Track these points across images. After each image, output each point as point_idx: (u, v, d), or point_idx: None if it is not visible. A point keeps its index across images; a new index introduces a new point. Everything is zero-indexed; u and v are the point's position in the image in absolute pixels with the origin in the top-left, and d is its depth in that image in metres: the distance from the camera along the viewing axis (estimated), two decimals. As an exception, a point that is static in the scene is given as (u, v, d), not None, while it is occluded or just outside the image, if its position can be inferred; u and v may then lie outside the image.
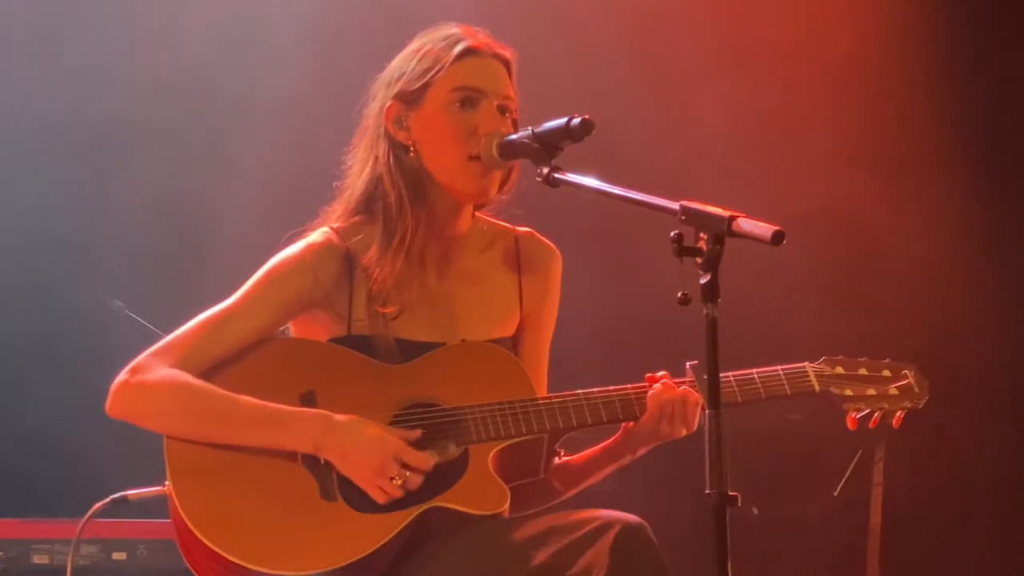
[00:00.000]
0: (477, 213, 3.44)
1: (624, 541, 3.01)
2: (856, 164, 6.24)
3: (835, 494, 5.87)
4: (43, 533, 5.02)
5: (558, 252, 3.50)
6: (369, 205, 3.35)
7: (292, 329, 3.38)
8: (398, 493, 3.14)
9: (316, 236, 3.34)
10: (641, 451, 3.37)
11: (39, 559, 5.01)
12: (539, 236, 3.50)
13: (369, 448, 3.15)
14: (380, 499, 3.14)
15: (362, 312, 3.29)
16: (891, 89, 6.26)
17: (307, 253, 3.32)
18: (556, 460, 3.39)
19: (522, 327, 3.45)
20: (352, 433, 3.17)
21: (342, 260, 3.32)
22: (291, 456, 3.18)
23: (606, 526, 3.04)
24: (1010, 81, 6.25)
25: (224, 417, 3.19)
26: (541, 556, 3.05)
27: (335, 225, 3.36)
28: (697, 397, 3.27)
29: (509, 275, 3.45)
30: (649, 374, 3.34)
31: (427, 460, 3.17)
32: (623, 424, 3.33)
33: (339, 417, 3.18)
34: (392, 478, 3.14)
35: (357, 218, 3.36)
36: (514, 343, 3.43)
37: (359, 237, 3.33)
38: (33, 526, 5.07)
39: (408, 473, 3.14)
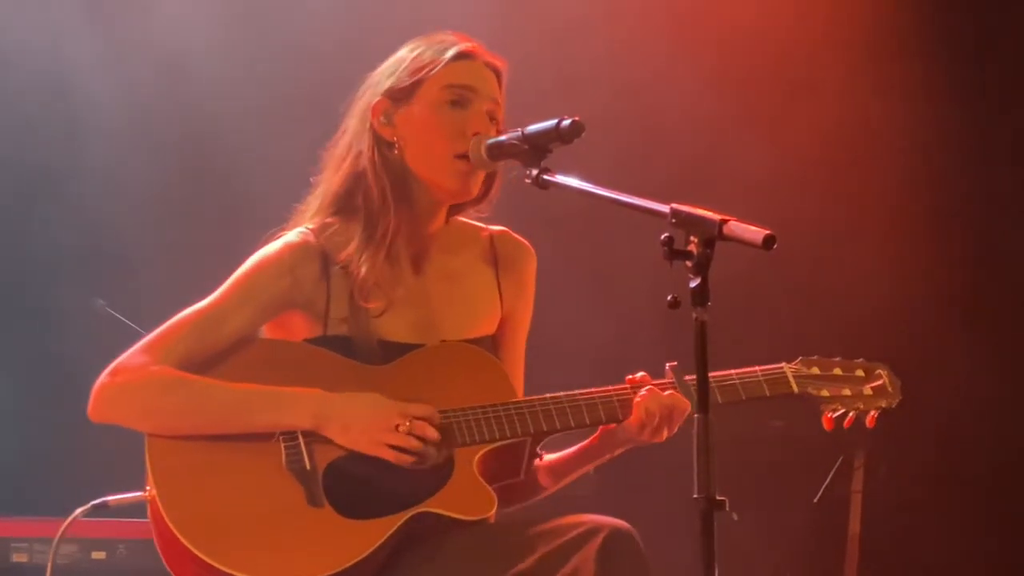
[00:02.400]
0: (457, 217, 3.43)
1: (610, 546, 3.00)
2: (824, 167, 6.26)
3: (815, 500, 5.88)
4: (22, 531, 5.00)
5: (533, 250, 3.49)
6: (348, 201, 3.33)
7: (264, 331, 3.34)
8: (411, 443, 3.11)
9: (293, 236, 3.31)
10: (619, 451, 3.37)
11: (18, 557, 4.98)
12: (513, 234, 3.48)
13: (371, 410, 3.14)
14: (392, 457, 3.11)
15: (342, 311, 3.27)
16: (867, 93, 6.28)
17: (285, 253, 3.29)
18: (536, 461, 3.38)
19: (501, 325, 3.44)
20: (350, 402, 3.15)
21: (319, 260, 3.29)
22: (276, 463, 3.14)
23: (593, 531, 3.03)
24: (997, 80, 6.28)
25: (218, 405, 3.16)
26: (527, 561, 3.04)
27: (311, 225, 3.33)
28: (685, 406, 3.26)
29: (487, 273, 3.43)
30: (629, 376, 3.32)
31: (431, 409, 3.15)
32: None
33: (334, 393, 3.17)
34: (397, 426, 3.11)
35: (331, 219, 3.34)
36: (495, 341, 3.42)
37: (335, 236, 3.31)
38: (12, 524, 5.05)
39: (413, 421, 3.12)
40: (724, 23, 6.28)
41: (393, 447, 3.12)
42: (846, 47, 6.27)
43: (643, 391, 3.27)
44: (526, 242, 3.49)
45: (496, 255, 3.45)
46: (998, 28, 6.27)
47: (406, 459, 3.13)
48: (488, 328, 3.40)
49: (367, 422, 3.13)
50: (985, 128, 6.27)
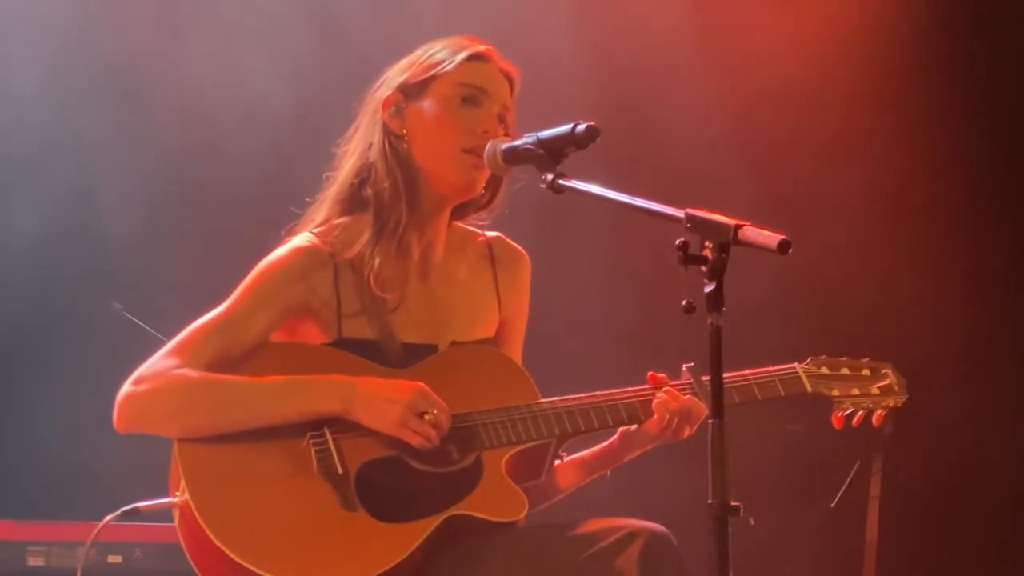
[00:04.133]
0: (455, 222, 3.45)
1: (651, 550, 3.04)
2: (836, 165, 6.26)
3: (832, 506, 5.87)
4: (39, 535, 5.01)
5: (527, 255, 3.52)
6: (357, 194, 3.36)
7: (274, 336, 3.33)
8: (430, 431, 3.13)
9: (300, 240, 3.33)
10: (639, 451, 3.39)
11: (34, 561, 4.99)
12: (508, 240, 3.52)
13: (394, 392, 3.15)
14: (414, 441, 3.13)
15: (353, 306, 3.28)
16: (879, 94, 6.28)
17: (294, 259, 3.31)
18: (557, 462, 3.39)
19: (499, 328, 3.46)
20: (376, 385, 3.17)
21: (327, 262, 3.31)
22: (307, 467, 3.14)
23: (632, 535, 3.06)
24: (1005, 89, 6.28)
25: (246, 400, 3.17)
26: (570, 565, 3.06)
27: (316, 230, 3.35)
28: (702, 410, 3.30)
29: (486, 277, 3.46)
30: (651, 372, 3.35)
31: (443, 404, 3.16)
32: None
33: (360, 378, 3.19)
34: (423, 413, 3.13)
35: (339, 220, 3.36)
36: (493, 344, 3.44)
37: (343, 234, 3.33)
38: (29, 528, 5.05)
39: (436, 411, 3.14)
40: (738, 34, 6.29)
41: (416, 431, 3.14)
42: (858, 58, 6.27)
43: (662, 392, 3.30)
44: (520, 247, 3.53)
45: (494, 260, 3.48)
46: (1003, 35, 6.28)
47: (426, 444, 3.14)
48: (489, 331, 3.43)
49: (391, 401, 3.14)
50: (1002, 134, 6.27)
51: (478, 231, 3.48)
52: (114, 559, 5.00)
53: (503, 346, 3.45)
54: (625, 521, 3.11)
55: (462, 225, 3.47)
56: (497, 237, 3.50)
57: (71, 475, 5.73)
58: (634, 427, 3.32)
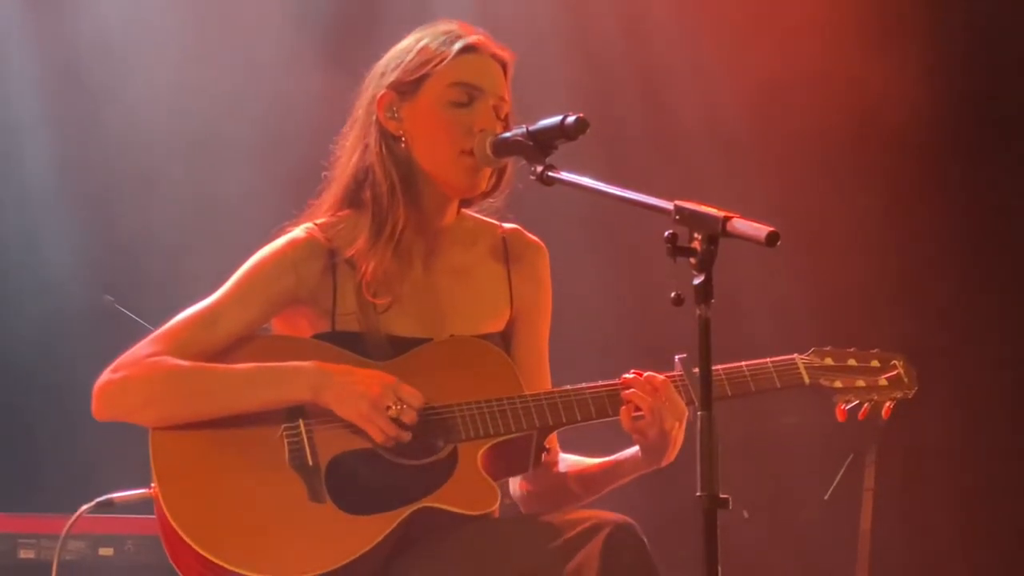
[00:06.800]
0: (463, 210, 3.42)
1: (615, 542, 3.00)
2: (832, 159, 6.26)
3: (825, 498, 5.87)
4: (30, 528, 5.01)
5: (545, 248, 3.48)
6: (357, 195, 3.34)
7: (272, 327, 3.35)
8: (393, 429, 3.11)
9: (298, 232, 3.32)
10: (669, 457, 3.25)
11: (25, 554, 4.99)
12: (525, 232, 3.48)
13: (365, 383, 3.13)
14: (377, 436, 3.11)
15: (349, 306, 3.27)
16: (881, 91, 6.27)
17: (289, 250, 3.29)
18: (545, 456, 3.36)
19: (516, 324, 3.43)
20: (348, 375, 3.16)
21: (325, 256, 3.30)
22: (279, 459, 3.15)
23: (597, 527, 3.03)
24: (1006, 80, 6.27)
25: (219, 387, 3.16)
26: (532, 557, 3.04)
27: (319, 221, 3.34)
28: (673, 393, 3.19)
29: (498, 270, 3.43)
30: (636, 371, 3.25)
31: (418, 396, 3.14)
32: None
33: (333, 365, 3.18)
34: (388, 407, 3.11)
35: (342, 212, 3.34)
36: (505, 339, 3.41)
37: (342, 232, 3.31)
38: (20, 520, 5.06)
39: (403, 406, 3.12)
40: (749, 25, 6.29)
41: (380, 427, 3.12)
42: (858, 40, 6.26)
43: (623, 407, 3.21)
44: (538, 239, 3.48)
45: (508, 253, 3.44)
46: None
47: (389, 440, 3.13)
48: (496, 325, 3.40)
49: (362, 392, 3.13)
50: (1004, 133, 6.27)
51: (496, 223, 3.45)
52: (105, 551, 5.00)
53: (519, 341, 3.42)
54: (591, 512, 3.08)
55: (479, 217, 3.44)
56: (513, 230, 3.46)
57: (64, 467, 5.73)
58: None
